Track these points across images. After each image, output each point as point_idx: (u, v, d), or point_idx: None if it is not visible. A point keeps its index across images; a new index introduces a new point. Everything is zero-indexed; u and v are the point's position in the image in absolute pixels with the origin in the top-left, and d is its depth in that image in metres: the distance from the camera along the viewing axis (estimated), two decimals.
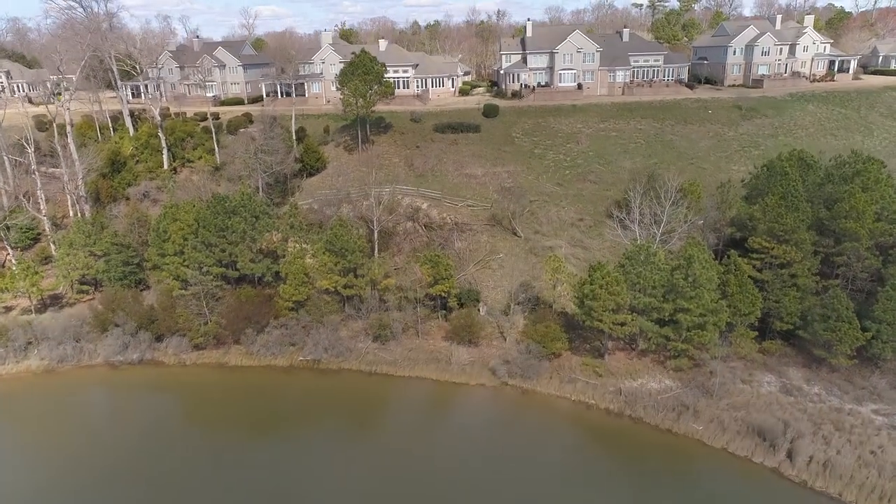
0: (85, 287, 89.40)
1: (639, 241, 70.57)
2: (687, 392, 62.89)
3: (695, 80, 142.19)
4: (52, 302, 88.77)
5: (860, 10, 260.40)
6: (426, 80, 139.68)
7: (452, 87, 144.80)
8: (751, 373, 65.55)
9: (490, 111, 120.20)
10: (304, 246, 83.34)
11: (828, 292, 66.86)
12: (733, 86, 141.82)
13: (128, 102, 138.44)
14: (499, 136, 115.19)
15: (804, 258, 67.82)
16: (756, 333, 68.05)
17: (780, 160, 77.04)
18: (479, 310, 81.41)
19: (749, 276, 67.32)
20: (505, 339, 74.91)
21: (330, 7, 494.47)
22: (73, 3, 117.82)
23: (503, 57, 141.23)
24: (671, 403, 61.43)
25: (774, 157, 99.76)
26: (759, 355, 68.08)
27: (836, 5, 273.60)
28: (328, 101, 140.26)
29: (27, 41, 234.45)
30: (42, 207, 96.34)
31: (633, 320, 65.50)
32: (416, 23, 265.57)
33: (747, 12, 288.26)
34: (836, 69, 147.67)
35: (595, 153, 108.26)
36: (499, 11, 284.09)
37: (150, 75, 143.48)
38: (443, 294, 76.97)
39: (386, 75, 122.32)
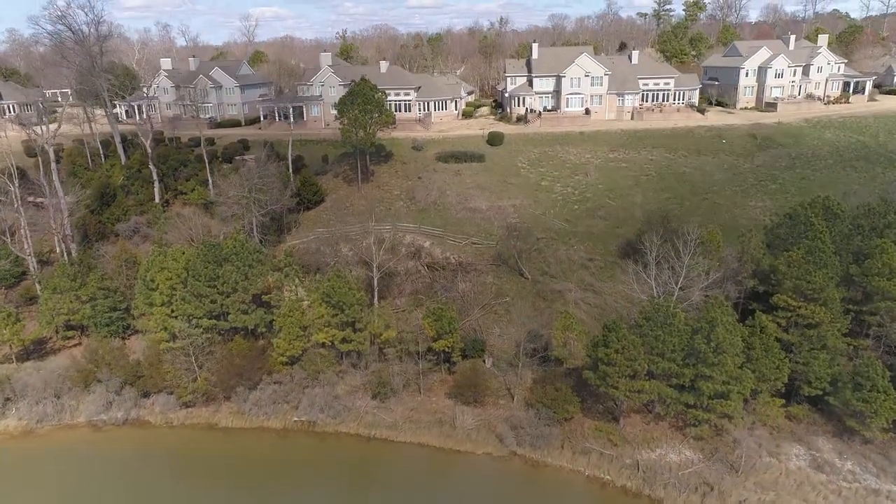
0: (70, 333, 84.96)
1: (656, 298, 65.95)
2: (710, 467, 58.46)
3: (705, 103, 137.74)
4: (36, 348, 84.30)
5: (868, 13, 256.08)
6: (428, 104, 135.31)
7: (456, 109, 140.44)
8: (778, 444, 61.03)
9: (494, 139, 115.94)
10: (299, 291, 79.05)
11: (859, 355, 62.56)
12: (745, 108, 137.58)
13: (120, 122, 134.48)
14: (504, 165, 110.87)
15: (834, 319, 63.22)
16: (783, 401, 63.46)
17: (803, 207, 72.59)
18: (484, 361, 77.04)
19: (775, 338, 62.69)
20: (513, 398, 70.39)
21: (332, 9, 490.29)
22: (61, 27, 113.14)
23: (508, 79, 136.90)
24: (694, 481, 56.99)
25: (793, 191, 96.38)
26: (785, 421, 63.64)
27: (840, 11, 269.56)
28: (327, 125, 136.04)
29: (25, 52, 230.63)
30: (26, 246, 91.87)
31: (650, 387, 60.96)
32: (418, 35, 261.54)
33: (752, 17, 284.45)
34: (850, 90, 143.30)
35: (605, 186, 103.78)
36: (501, 19, 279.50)
37: (145, 93, 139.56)
38: (446, 349, 72.42)
39: (387, 98, 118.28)
